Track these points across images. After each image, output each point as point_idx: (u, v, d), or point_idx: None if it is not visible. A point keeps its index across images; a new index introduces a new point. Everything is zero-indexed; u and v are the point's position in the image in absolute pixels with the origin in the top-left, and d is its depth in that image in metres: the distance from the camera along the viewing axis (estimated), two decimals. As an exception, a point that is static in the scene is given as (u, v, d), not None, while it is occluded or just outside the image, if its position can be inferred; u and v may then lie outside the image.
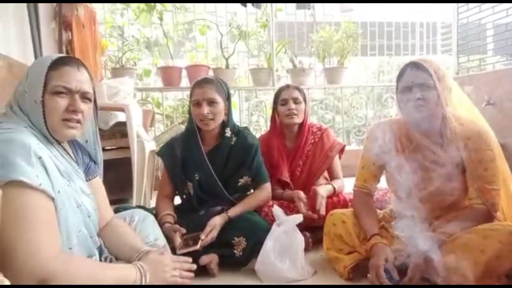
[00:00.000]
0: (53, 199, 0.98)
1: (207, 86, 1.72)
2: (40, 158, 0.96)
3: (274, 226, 1.58)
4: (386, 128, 1.50)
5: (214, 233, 1.59)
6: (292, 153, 2.10)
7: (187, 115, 1.95)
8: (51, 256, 0.91)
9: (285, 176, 2.03)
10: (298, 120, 2.06)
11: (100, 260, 1.19)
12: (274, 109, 2.16)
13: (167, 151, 1.85)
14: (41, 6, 2.35)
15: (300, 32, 4.58)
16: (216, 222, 1.62)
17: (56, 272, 0.90)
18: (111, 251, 1.24)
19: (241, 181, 1.82)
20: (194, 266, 1.23)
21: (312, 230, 1.84)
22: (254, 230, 1.61)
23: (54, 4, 2.71)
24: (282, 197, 1.97)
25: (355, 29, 4.08)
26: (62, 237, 1.01)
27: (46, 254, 0.90)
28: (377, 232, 1.46)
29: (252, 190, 1.89)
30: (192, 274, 1.20)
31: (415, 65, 1.42)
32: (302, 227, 1.66)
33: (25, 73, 1.10)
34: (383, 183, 1.69)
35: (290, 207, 1.88)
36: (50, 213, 0.97)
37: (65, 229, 1.02)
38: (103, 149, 2.33)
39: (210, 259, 1.57)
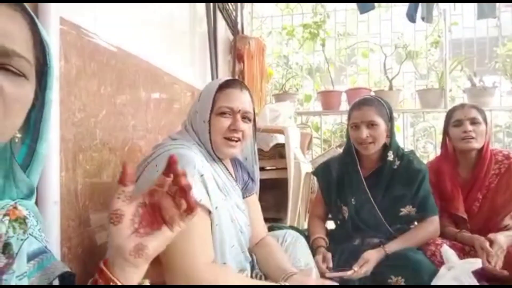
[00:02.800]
0: (210, 213, 1.04)
1: (366, 107, 1.62)
2: (202, 175, 1.04)
3: (442, 270, 1.34)
4: None
5: (369, 268, 1.45)
6: (469, 184, 1.77)
7: (345, 139, 1.88)
8: (203, 266, 0.96)
9: (461, 211, 1.72)
10: (476, 145, 1.72)
11: (251, 276, 1.21)
12: (446, 132, 1.88)
13: (322, 171, 1.81)
14: (220, 41, 2.69)
15: (480, 48, 3.97)
16: (372, 256, 1.47)
17: (206, 281, 0.95)
18: (261, 268, 1.25)
19: (403, 211, 1.62)
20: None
21: (488, 280, 1.48)
22: (416, 271, 1.39)
23: (231, 38, 3.08)
24: (455, 237, 1.66)
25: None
26: (216, 251, 1.06)
27: (200, 264, 0.96)
28: None
29: (416, 223, 1.67)
30: None
31: None
32: (478, 275, 1.36)
33: (198, 95, 1.25)
34: None
35: (464, 251, 1.58)
36: (206, 227, 1.03)
37: (219, 243, 1.07)
38: (263, 169, 2.49)
39: None
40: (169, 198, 0.59)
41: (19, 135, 0.56)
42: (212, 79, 2.51)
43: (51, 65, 0.58)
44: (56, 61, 1.03)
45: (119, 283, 0.54)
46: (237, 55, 3.01)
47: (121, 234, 0.56)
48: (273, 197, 2.51)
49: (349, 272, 1.40)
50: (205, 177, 1.04)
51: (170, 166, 0.59)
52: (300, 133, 2.70)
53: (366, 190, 1.63)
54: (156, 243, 0.57)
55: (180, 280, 0.95)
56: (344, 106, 3.74)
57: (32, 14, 0.55)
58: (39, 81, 0.57)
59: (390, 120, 1.65)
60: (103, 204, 1.29)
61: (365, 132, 1.59)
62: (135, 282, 0.56)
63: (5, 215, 0.54)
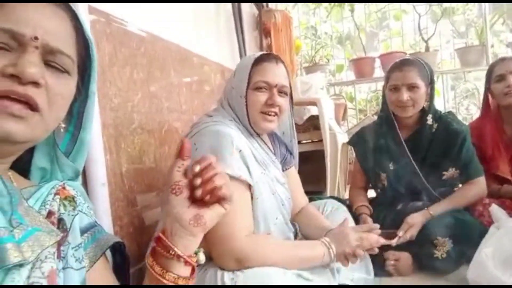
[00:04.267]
0: (250, 187, 1.06)
1: (407, 69, 1.56)
2: (240, 151, 1.05)
3: (492, 229, 1.30)
4: None
5: (413, 232, 1.42)
6: (515, 142, 1.68)
7: (381, 105, 1.83)
8: (243, 237, 0.98)
9: (504, 172, 1.65)
10: None
11: (294, 243, 1.24)
12: (488, 89, 1.78)
13: (357, 140, 1.78)
14: (245, 17, 2.67)
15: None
16: (415, 220, 1.45)
17: (248, 251, 0.96)
18: (303, 234, 1.28)
19: (446, 174, 1.57)
20: (381, 239, 1.15)
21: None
22: (464, 230, 1.36)
23: (256, 14, 3.03)
24: (499, 193, 1.60)
25: None
26: (259, 224, 1.08)
27: (240, 236, 0.98)
28: None
29: (460, 185, 1.61)
30: (376, 249, 1.14)
31: None
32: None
33: (234, 71, 1.25)
34: None
35: (513, 207, 1.51)
36: (246, 200, 1.05)
37: (262, 216, 1.09)
38: (299, 143, 2.47)
39: (397, 257, 1.42)
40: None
41: (63, 125, 0.61)
42: (240, 57, 2.51)
43: (94, 59, 0.61)
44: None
45: (177, 251, 0.57)
46: (263, 30, 2.97)
47: (182, 204, 0.58)
48: (310, 170, 2.49)
49: (394, 240, 1.39)
50: (243, 152, 1.05)
51: (182, 151, 0.60)
52: (334, 104, 2.65)
53: (406, 153, 1.59)
54: (212, 214, 0.60)
55: (222, 252, 0.98)
56: (378, 72, 3.61)
57: (76, 11, 0.57)
58: (81, 75, 0.60)
59: (430, 83, 1.59)
60: (147, 186, 1.35)
61: (405, 95, 1.54)
62: (191, 250, 0.59)
63: (55, 194, 0.58)
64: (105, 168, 1.10)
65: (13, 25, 0.49)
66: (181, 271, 0.58)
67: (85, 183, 1.02)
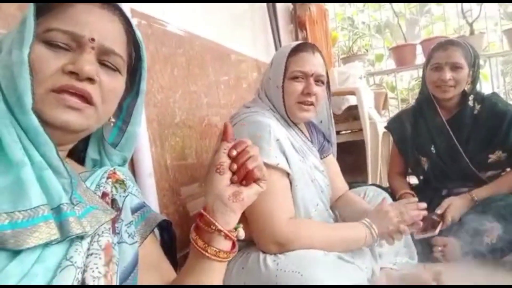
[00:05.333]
0: (288, 175, 1.08)
1: (451, 48, 1.52)
2: (277, 140, 1.07)
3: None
4: None
5: (454, 214, 1.38)
6: None
7: (421, 87, 1.77)
8: (285, 221, 1.01)
9: None
10: None
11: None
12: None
13: (394, 124, 1.75)
14: (279, 11, 2.68)
15: None
16: (456, 202, 1.42)
17: (289, 234, 0.98)
18: (343, 219, 1.28)
19: (492, 157, 1.51)
20: (422, 212, 1.14)
21: None
22: (515, 215, 1.30)
23: (290, 8, 3.04)
24: None
25: None
26: (299, 210, 1.10)
27: (281, 220, 1.00)
28: None
29: (508, 169, 1.54)
30: (419, 222, 1.12)
31: None
32: None
33: (270, 61, 1.27)
34: None
35: None
36: (285, 186, 1.08)
37: (302, 203, 1.11)
38: (338, 133, 2.46)
39: (445, 242, 1.38)
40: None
41: (113, 120, 0.68)
42: (276, 49, 2.53)
43: (143, 60, 0.67)
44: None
45: (218, 225, 0.61)
46: (298, 23, 2.97)
47: (224, 183, 0.63)
48: (351, 160, 2.47)
49: (437, 230, 1.36)
50: (281, 141, 1.07)
51: (226, 134, 0.65)
52: (373, 93, 2.60)
53: (450, 135, 1.54)
54: (249, 192, 0.64)
55: (263, 236, 1.01)
56: (420, 59, 3.48)
57: (127, 16, 0.64)
58: (130, 74, 0.67)
59: (473, 65, 1.53)
60: (190, 177, 1.42)
61: (448, 74, 1.49)
62: (231, 225, 0.63)
63: (108, 178, 0.66)
64: (151, 160, 1.17)
65: (74, 28, 0.56)
66: (221, 245, 0.62)
67: (133, 173, 1.10)
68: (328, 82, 1.26)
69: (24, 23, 0.54)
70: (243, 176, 0.63)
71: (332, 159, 1.42)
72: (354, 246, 1.07)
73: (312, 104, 1.17)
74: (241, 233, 0.65)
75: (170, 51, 1.38)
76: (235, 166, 0.63)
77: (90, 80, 0.56)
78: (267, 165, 1.01)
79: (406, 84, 3.84)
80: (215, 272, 0.63)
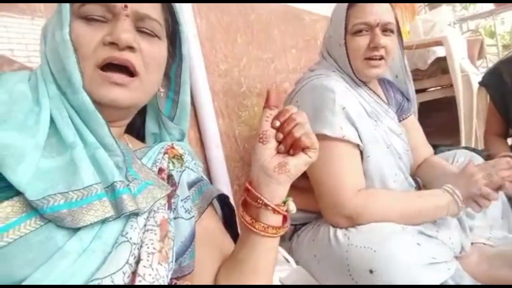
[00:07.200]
0: (358, 145, 0.97)
1: None
2: (344, 108, 0.95)
3: None
4: None
5: None
6: None
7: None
8: (352, 195, 0.91)
9: None
10: None
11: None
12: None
13: (490, 78, 1.50)
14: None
15: None
16: None
17: (358, 208, 0.90)
18: (427, 187, 1.14)
19: None
20: None
21: None
22: None
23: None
24: None
25: None
26: (375, 182, 0.99)
27: (348, 194, 0.91)
28: None
29: None
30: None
31: None
32: None
33: (330, 18, 1.16)
34: None
35: None
36: (353, 157, 0.97)
37: (378, 174, 0.99)
38: (424, 91, 2.22)
39: None
40: None
41: (162, 90, 0.66)
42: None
43: (181, 23, 0.64)
44: (191, 20, 1.12)
45: (264, 199, 0.57)
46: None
47: (268, 153, 0.58)
48: (441, 121, 2.22)
49: None
50: (347, 109, 0.96)
51: (268, 100, 0.59)
52: (466, 41, 2.27)
53: None
54: (296, 161, 0.58)
55: (331, 211, 0.94)
56: (527, -5, 2.93)
57: None
58: (170, 39, 0.64)
59: None
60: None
61: None
62: (279, 198, 0.58)
63: (164, 153, 0.65)
64: (218, 132, 1.17)
65: None
66: (270, 220, 0.58)
67: (201, 146, 1.11)
68: (399, 30, 1.10)
69: (61, 3, 0.54)
70: (290, 145, 0.58)
71: (412, 119, 1.25)
72: (435, 216, 0.94)
73: (381, 58, 1.02)
74: (292, 207, 0.60)
75: (231, 19, 1.34)
76: (281, 135, 0.58)
77: (130, 48, 0.55)
78: (330, 138, 0.94)
79: (509, 27, 3.29)
80: (267, 248, 0.59)
